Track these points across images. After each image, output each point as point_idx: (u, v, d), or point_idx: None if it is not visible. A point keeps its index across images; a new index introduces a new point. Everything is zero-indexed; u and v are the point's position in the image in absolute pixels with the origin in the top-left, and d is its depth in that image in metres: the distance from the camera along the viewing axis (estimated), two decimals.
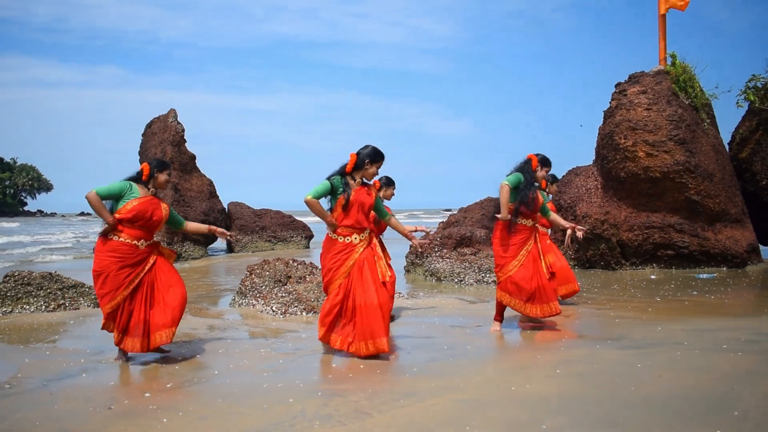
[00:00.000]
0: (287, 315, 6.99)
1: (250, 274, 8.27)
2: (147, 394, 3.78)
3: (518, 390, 3.63)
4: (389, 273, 5.15)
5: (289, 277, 8.41)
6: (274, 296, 7.53)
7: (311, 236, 19.46)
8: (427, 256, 11.45)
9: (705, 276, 9.53)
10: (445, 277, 9.91)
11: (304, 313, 7.02)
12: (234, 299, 8.05)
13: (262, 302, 7.56)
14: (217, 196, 17.89)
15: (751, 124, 12.00)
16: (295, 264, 8.69)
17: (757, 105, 11.37)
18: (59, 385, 4.06)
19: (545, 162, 5.65)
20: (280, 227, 18.75)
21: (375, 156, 4.78)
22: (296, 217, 19.54)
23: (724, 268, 10.35)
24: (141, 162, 17.78)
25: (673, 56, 11.75)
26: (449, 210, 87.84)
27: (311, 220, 38.49)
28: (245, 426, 3.15)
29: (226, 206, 18.45)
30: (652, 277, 9.75)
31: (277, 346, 5.19)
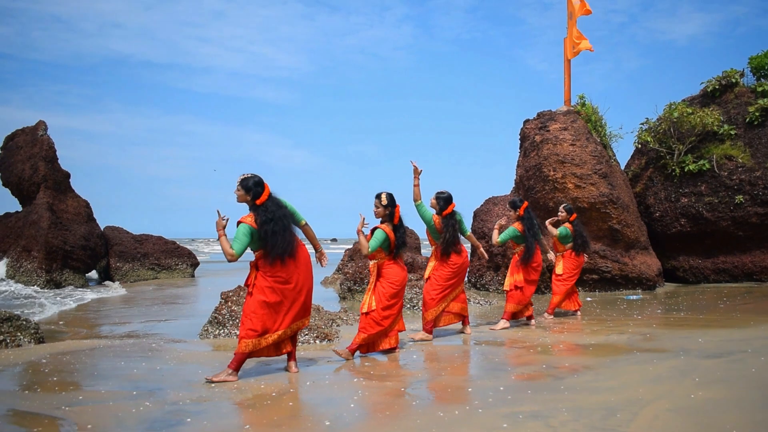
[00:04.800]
0: (298, 344, 6.40)
1: (226, 302, 7.53)
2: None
3: (697, 397, 3.68)
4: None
5: None
6: None
7: (197, 264, 18.04)
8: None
9: (633, 297, 10.49)
10: None
11: (317, 341, 6.51)
12: (207, 329, 7.23)
13: None
14: (95, 220, 15.92)
15: (640, 162, 13.61)
16: None
17: (650, 145, 12.93)
18: None
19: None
20: (163, 254, 17.15)
21: None
22: (180, 244, 18.02)
23: (639, 290, 11.49)
24: (2, 178, 15.32)
25: (582, 98, 13.00)
26: None
27: (196, 248, 35.54)
28: None
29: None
30: (588, 299, 10.49)
31: (355, 373, 4.71)
